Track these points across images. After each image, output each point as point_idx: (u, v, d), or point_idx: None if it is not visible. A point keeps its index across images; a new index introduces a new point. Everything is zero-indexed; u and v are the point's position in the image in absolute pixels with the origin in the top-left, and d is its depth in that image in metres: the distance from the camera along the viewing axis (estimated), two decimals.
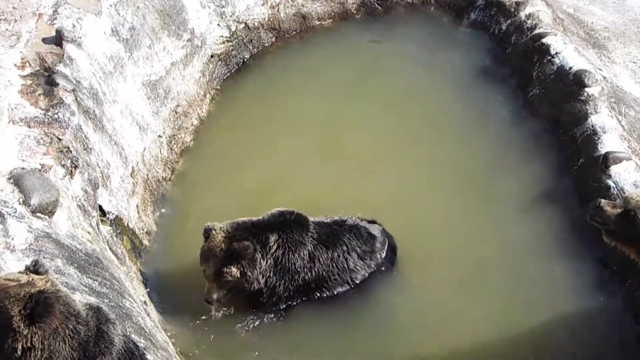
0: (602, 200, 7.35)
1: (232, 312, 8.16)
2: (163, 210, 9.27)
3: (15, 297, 4.82)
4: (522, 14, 11.43)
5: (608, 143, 9.18)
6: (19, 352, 4.85)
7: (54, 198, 6.89)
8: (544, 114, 10.25)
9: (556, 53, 10.45)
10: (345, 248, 8.22)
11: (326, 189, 9.41)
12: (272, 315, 8.13)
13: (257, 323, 8.09)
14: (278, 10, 11.70)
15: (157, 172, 9.44)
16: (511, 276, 8.59)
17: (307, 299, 8.22)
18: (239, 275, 7.77)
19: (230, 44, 11.24)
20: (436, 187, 9.57)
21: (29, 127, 7.50)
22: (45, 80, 8.06)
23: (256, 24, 11.51)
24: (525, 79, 10.81)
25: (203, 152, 10.08)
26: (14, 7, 8.96)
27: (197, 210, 9.13)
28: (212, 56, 10.99)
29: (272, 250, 7.89)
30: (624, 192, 8.58)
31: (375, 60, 11.50)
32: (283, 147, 10.03)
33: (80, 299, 5.48)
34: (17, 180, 6.82)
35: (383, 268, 8.50)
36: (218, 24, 11.06)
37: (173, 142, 9.90)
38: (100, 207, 7.96)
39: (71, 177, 7.43)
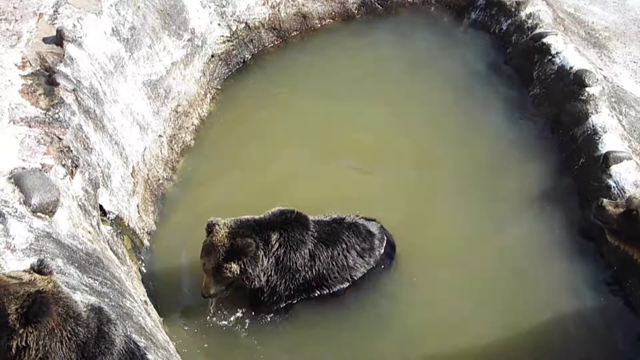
0: (605, 200, 7.36)
1: (232, 311, 8.16)
2: (164, 209, 9.27)
3: (14, 294, 4.83)
4: (523, 14, 11.43)
5: (609, 143, 9.18)
6: (14, 351, 4.85)
7: (55, 198, 6.90)
8: (545, 113, 10.26)
9: (557, 53, 10.46)
10: (344, 246, 8.23)
11: (326, 188, 9.42)
12: (273, 314, 8.14)
13: (257, 322, 8.10)
14: (278, 10, 11.71)
15: (158, 172, 9.44)
16: (511, 275, 8.59)
17: (307, 297, 8.22)
18: (239, 272, 7.77)
19: (231, 43, 11.25)
20: (436, 186, 9.57)
21: (30, 126, 7.50)
22: (45, 80, 8.07)
23: (257, 23, 11.51)
24: (526, 78, 10.82)
25: (204, 151, 10.09)
26: (14, 7, 8.96)
27: (197, 209, 9.13)
28: (212, 56, 10.99)
29: (274, 249, 7.90)
30: (625, 192, 8.59)
31: (376, 60, 11.50)
32: (283, 147, 10.03)
33: (81, 300, 5.48)
34: (17, 179, 6.82)
35: (382, 265, 8.49)
36: (219, 24, 11.07)
37: (174, 141, 9.90)
38: (101, 207, 7.97)
39: (72, 177, 7.43)
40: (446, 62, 11.41)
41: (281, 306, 8.16)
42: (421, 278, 8.52)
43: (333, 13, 12.21)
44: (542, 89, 10.50)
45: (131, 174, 8.84)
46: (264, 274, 7.91)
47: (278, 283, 8.01)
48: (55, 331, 4.94)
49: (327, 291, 8.27)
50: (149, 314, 7.43)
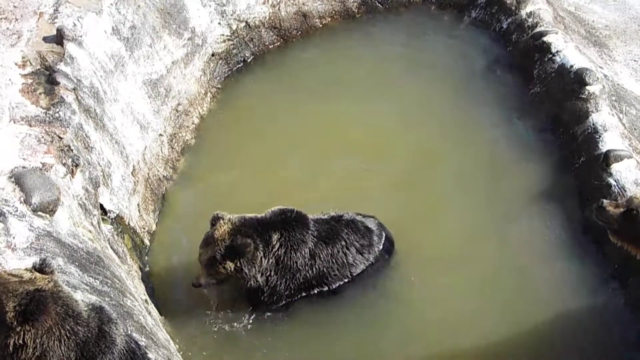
0: (605, 201, 7.38)
1: (233, 309, 8.17)
2: (164, 208, 9.27)
3: (12, 292, 4.83)
4: (523, 12, 11.43)
5: (609, 141, 9.17)
6: (11, 349, 4.86)
7: (55, 197, 6.90)
8: (545, 112, 10.25)
9: (557, 51, 10.46)
10: (344, 243, 8.23)
11: (327, 186, 9.41)
12: (273, 313, 8.13)
13: (257, 320, 8.10)
14: (279, 9, 11.70)
15: (158, 171, 9.44)
16: (511, 274, 8.58)
17: (307, 294, 8.22)
18: (233, 270, 7.77)
19: (231, 42, 11.25)
20: (437, 185, 9.57)
21: (30, 126, 7.50)
22: (46, 79, 8.07)
23: (257, 22, 11.51)
24: (526, 77, 10.82)
25: (204, 150, 10.09)
26: (14, 6, 8.96)
27: (198, 208, 9.13)
28: (213, 55, 10.99)
29: (275, 249, 7.89)
30: (625, 190, 8.58)
31: (376, 58, 11.49)
32: (284, 145, 10.03)
33: (82, 299, 5.48)
34: (18, 179, 6.82)
35: (381, 261, 8.48)
36: (219, 23, 11.06)
37: (174, 140, 9.91)
38: (102, 206, 7.97)
39: (72, 176, 7.43)
40: (446, 60, 11.40)
41: (281, 304, 8.16)
42: (421, 277, 8.52)
43: (333, 12, 12.20)
44: (542, 88, 10.49)
45: (132, 173, 8.84)
46: (262, 274, 7.90)
47: (278, 283, 8.01)
48: (53, 330, 4.94)
49: (327, 288, 8.27)
50: (149, 313, 7.44)
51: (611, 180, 8.78)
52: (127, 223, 8.37)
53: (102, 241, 7.57)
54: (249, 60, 11.46)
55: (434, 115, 10.53)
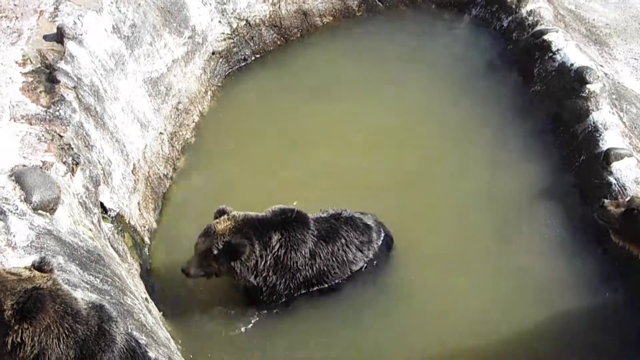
0: (606, 200, 7.39)
1: (232, 307, 8.17)
2: (164, 207, 9.28)
3: (10, 290, 4.84)
4: (524, 11, 11.42)
5: (609, 140, 9.16)
6: (9, 347, 4.86)
7: (56, 195, 6.90)
8: (545, 110, 10.24)
9: (557, 50, 10.44)
10: (344, 241, 8.23)
11: (326, 186, 9.41)
12: (274, 312, 8.14)
13: (258, 318, 8.10)
14: (279, 7, 11.70)
15: (159, 169, 9.45)
16: (511, 273, 8.57)
17: (307, 292, 8.22)
18: (225, 268, 7.78)
19: (232, 41, 11.25)
20: (437, 184, 9.56)
21: (30, 124, 7.50)
22: (46, 77, 8.07)
23: (257, 21, 11.51)
24: (527, 75, 10.80)
25: (204, 149, 10.09)
26: (15, 5, 8.97)
27: (198, 206, 9.14)
28: (213, 53, 10.99)
29: (274, 250, 7.88)
30: (626, 189, 8.58)
31: (376, 57, 11.49)
32: (284, 144, 10.03)
33: (83, 297, 5.48)
34: (18, 177, 6.83)
35: (381, 257, 8.48)
36: (219, 21, 11.06)
37: (174, 139, 9.91)
38: (102, 204, 7.97)
39: (72, 175, 7.44)
40: (447, 59, 11.39)
41: (281, 302, 8.16)
42: (421, 276, 8.52)
43: (334, 10, 12.20)
44: (542, 86, 10.49)
45: (132, 172, 8.84)
46: (257, 276, 7.90)
47: (277, 282, 8.01)
48: (52, 328, 4.94)
49: (327, 286, 8.27)
50: (149, 311, 7.44)
51: (611, 179, 8.77)
52: (127, 221, 8.37)
53: (103, 239, 7.57)
54: (249, 59, 11.46)
55: (434, 114, 10.53)
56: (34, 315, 4.82)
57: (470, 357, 7.89)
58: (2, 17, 8.79)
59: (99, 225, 7.71)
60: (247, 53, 11.44)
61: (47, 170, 7.11)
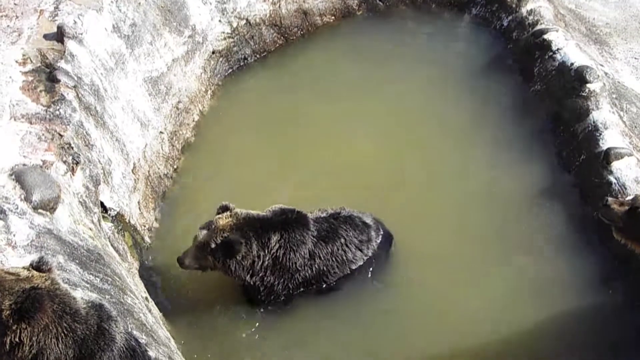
0: (610, 199, 7.38)
1: (232, 306, 8.18)
2: (164, 206, 9.28)
3: (9, 290, 4.84)
4: (524, 10, 11.42)
5: (609, 139, 9.16)
6: (7, 347, 4.86)
7: (56, 194, 6.90)
8: (546, 110, 10.24)
9: (558, 49, 10.44)
10: (343, 241, 8.23)
11: (327, 184, 9.41)
12: (274, 311, 8.14)
13: (258, 318, 8.11)
14: (279, 7, 11.69)
15: (159, 169, 9.45)
16: (511, 272, 8.58)
17: (306, 291, 8.22)
18: (220, 264, 7.79)
19: (232, 40, 11.24)
20: (437, 183, 9.57)
21: (31, 123, 7.51)
22: (46, 76, 8.07)
23: (257, 20, 11.50)
24: (527, 75, 10.80)
25: (204, 148, 10.09)
26: (15, 4, 8.97)
27: (198, 206, 9.14)
28: (213, 52, 10.99)
29: (273, 251, 7.88)
30: (626, 188, 8.58)
31: (376, 56, 11.48)
32: (284, 144, 10.03)
33: (82, 297, 5.48)
34: (18, 176, 6.83)
35: (380, 255, 8.49)
36: (219, 20, 11.06)
37: (174, 138, 9.91)
38: (102, 204, 7.97)
39: (73, 174, 7.44)
40: (447, 59, 11.39)
41: (279, 301, 8.16)
42: (421, 276, 8.52)
43: (334, 10, 12.19)
44: (542, 85, 10.49)
45: (132, 171, 8.85)
46: (253, 275, 7.90)
47: (275, 283, 8.01)
48: (50, 327, 4.94)
49: (326, 285, 8.27)
50: (150, 311, 7.44)
51: (611, 178, 8.77)
52: (127, 221, 8.38)
53: (103, 239, 7.58)
54: (249, 58, 11.46)
55: (434, 114, 10.52)
56: (32, 315, 4.82)
57: (470, 357, 7.90)
58: (2, 16, 8.79)
59: (99, 224, 7.72)
60: (247, 52, 11.44)
61: (47, 169, 7.12)
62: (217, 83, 10.99)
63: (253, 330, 8.03)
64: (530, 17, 11.25)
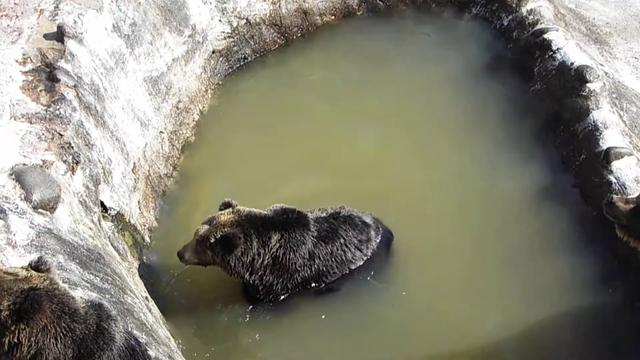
0: (615, 196, 7.37)
1: (233, 306, 8.18)
2: (164, 205, 9.28)
3: (7, 291, 4.83)
4: (524, 10, 11.42)
5: (609, 139, 9.16)
6: (6, 347, 4.86)
7: (56, 194, 6.90)
8: (546, 109, 10.24)
9: (558, 49, 10.44)
10: (342, 241, 8.22)
11: (327, 184, 9.40)
12: (273, 310, 8.14)
13: (258, 317, 8.11)
14: (279, 6, 11.69)
15: (159, 168, 9.45)
16: (511, 273, 8.56)
17: (306, 291, 8.22)
18: (218, 259, 7.79)
19: (232, 39, 11.24)
20: (437, 183, 9.56)
21: (31, 123, 7.51)
22: (46, 76, 8.07)
23: (257, 19, 11.50)
24: (527, 74, 10.80)
25: (204, 147, 10.10)
26: (15, 3, 8.97)
27: (198, 205, 9.14)
28: (213, 52, 10.99)
29: (273, 250, 7.88)
30: (626, 188, 8.58)
31: (376, 56, 11.47)
32: (284, 143, 10.03)
33: (81, 296, 5.48)
34: (18, 176, 6.83)
35: (381, 254, 8.49)
36: (219, 20, 11.06)
37: (174, 137, 9.91)
38: (102, 203, 7.97)
39: (73, 173, 7.44)
40: (447, 58, 11.38)
41: (279, 300, 8.16)
42: (420, 275, 8.51)
43: (334, 9, 12.19)
44: (543, 85, 10.48)
45: (132, 170, 8.85)
46: (253, 274, 7.90)
47: (275, 282, 8.02)
48: (49, 327, 4.94)
49: (326, 285, 8.28)
50: (150, 310, 7.44)
51: (612, 178, 8.77)
52: (127, 220, 8.38)
53: (103, 238, 7.58)
54: (249, 58, 11.45)
55: (434, 113, 10.52)
56: (31, 316, 4.82)
57: (470, 357, 7.90)
58: (2, 15, 8.79)
59: (99, 224, 7.72)
60: (247, 52, 11.44)
61: (47, 169, 7.12)
62: (217, 83, 11.00)
63: (253, 329, 8.02)
64: (531, 17, 11.25)
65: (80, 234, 7.04)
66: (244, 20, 11.37)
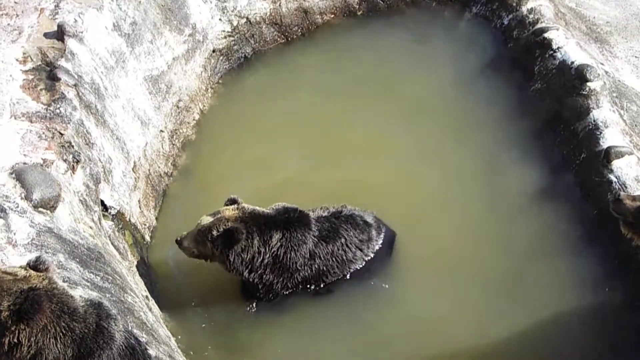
0: (622, 193, 7.37)
1: (233, 306, 8.18)
2: (165, 205, 9.28)
3: (7, 291, 4.84)
4: (524, 9, 11.40)
5: (610, 138, 9.16)
6: (6, 347, 4.87)
7: (56, 193, 6.91)
8: (546, 108, 10.23)
9: (558, 48, 10.43)
10: (343, 240, 8.22)
11: (327, 183, 9.40)
12: (273, 309, 8.15)
13: (258, 317, 8.12)
14: (279, 5, 11.68)
15: (159, 167, 9.45)
16: (511, 273, 8.56)
17: (305, 290, 8.22)
18: (218, 253, 7.79)
19: (232, 38, 11.24)
20: (437, 183, 9.56)
21: (31, 122, 7.51)
22: (47, 75, 8.08)
23: (258, 18, 11.50)
24: (527, 73, 10.79)
25: (205, 146, 10.09)
26: (15, 2, 8.97)
27: (198, 204, 9.13)
28: (213, 51, 10.98)
29: (274, 249, 7.88)
30: (626, 187, 8.57)
31: (376, 56, 11.46)
32: (284, 142, 10.03)
33: (81, 295, 5.48)
34: (19, 175, 6.83)
35: (382, 254, 8.49)
36: (220, 19, 11.06)
37: (175, 136, 9.91)
38: (102, 202, 7.98)
39: (73, 172, 7.44)
40: (447, 57, 11.37)
41: (278, 299, 8.17)
42: (420, 276, 8.52)
43: (335, 9, 12.17)
44: (543, 84, 10.47)
45: (132, 169, 8.85)
46: (251, 271, 7.90)
47: (275, 281, 8.02)
48: (49, 327, 4.95)
49: (326, 285, 8.28)
50: (150, 309, 7.45)
51: (612, 177, 8.77)
52: (128, 219, 8.38)
53: (103, 237, 7.58)
54: (249, 57, 11.45)
55: (434, 113, 10.51)
56: (31, 316, 4.82)
57: (470, 358, 7.89)
58: (2, 14, 8.79)
59: (100, 223, 7.72)
60: (247, 51, 11.44)
61: (48, 168, 7.12)
62: (217, 81, 10.99)
63: (253, 329, 8.03)
64: (531, 16, 11.24)
65: (80, 233, 7.05)
66: (244, 19, 11.37)
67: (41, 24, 8.72)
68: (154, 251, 8.70)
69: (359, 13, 12.29)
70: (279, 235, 7.88)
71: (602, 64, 10.43)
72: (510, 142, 10.00)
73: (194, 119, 10.34)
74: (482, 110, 10.50)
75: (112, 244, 7.75)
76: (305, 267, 8.06)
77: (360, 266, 8.37)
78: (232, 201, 7.95)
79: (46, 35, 8.58)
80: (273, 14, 11.64)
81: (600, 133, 9.25)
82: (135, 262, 8.15)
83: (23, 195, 6.71)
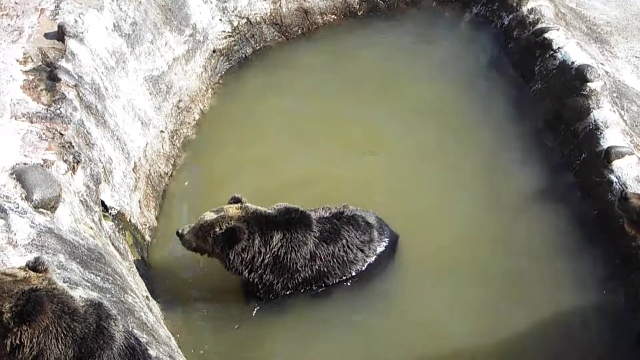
0: (629, 192, 7.37)
1: (233, 306, 8.18)
2: (165, 205, 9.28)
3: (7, 292, 4.84)
4: (524, 9, 11.40)
5: (610, 138, 9.16)
6: (8, 349, 4.87)
7: (57, 193, 6.91)
8: (546, 109, 10.23)
9: (558, 48, 10.43)
10: (345, 242, 8.21)
11: (326, 184, 9.40)
12: (274, 311, 8.14)
13: (258, 317, 8.11)
14: (280, 5, 11.69)
15: (159, 167, 9.46)
16: (511, 273, 8.55)
17: (306, 291, 8.22)
18: (218, 250, 7.79)
19: (232, 39, 11.25)
20: (437, 183, 9.56)
21: (31, 122, 7.52)
22: (47, 75, 8.08)
23: (258, 19, 11.50)
24: (527, 73, 10.79)
25: (205, 147, 10.09)
26: (16, 3, 8.97)
27: (199, 204, 9.13)
28: (214, 51, 10.99)
29: (274, 249, 7.88)
30: (626, 187, 8.56)
31: (376, 56, 11.47)
32: (284, 142, 10.03)
33: (81, 295, 5.49)
34: (19, 175, 6.84)
35: (384, 255, 8.48)
36: (220, 19, 11.06)
37: (175, 137, 9.92)
38: (103, 203, 7.98)
39: (73, 173, 7.44)
40: (447, 57, 11.37)
41: (278, 299, 8.17)
42: (420, 277, 8.51)
43: (335, 9, 12.18)
44: (543, 84, 10.47)
45: (133, 170, 8.85)
46: (251, 271, 7.90)
47: (275, 281, 8.02)
48: (50, 328, 4.95)
49: (327, 286, 8.27)
50: (150, 310, 7.45)
51: (612, 177, 8.77)
52: (128, 219, 8.39)
53: (104, 238, 7.59)
54: (250, 57, 11.45)
55: (434, 113, 10.50)
56: (33, 317, 4.83)
57: (470, 358, 7.89)
58: (3, 15, 8.80)
59: (100, 223, 7.72)
60: (247, 51, 11.44)
61: (48, 168, 7.13)
62: (217, 82, 11.00)
63: (253, 328, 8.03)
64: (531, 16, 11.24)
65: (81, 234, 7.05)
66: (245, 20, 11.38)
67: (41, 24, 8.73)
68: (154, 251, 8.70)
69: (359, 13, 12.30)
70: (279, 235, 7.88)
71: (602, 64, 10.43)
72: (511, 142, 10.00)
73: (194, 119, 10.34)
74: (482, 111, 10.51)
75: (112, 244, 7.75)
76: (306, 268, 8.06)
77: (362, 268, 8.36)
78: (236, 200, 7.97)
79: (47, 35, 8.58)
80: (273, 14, 11.65)
81: (601, 133, 9.25)
82: (136, 263, 8.15)
83: (23, 195, 6.72)
